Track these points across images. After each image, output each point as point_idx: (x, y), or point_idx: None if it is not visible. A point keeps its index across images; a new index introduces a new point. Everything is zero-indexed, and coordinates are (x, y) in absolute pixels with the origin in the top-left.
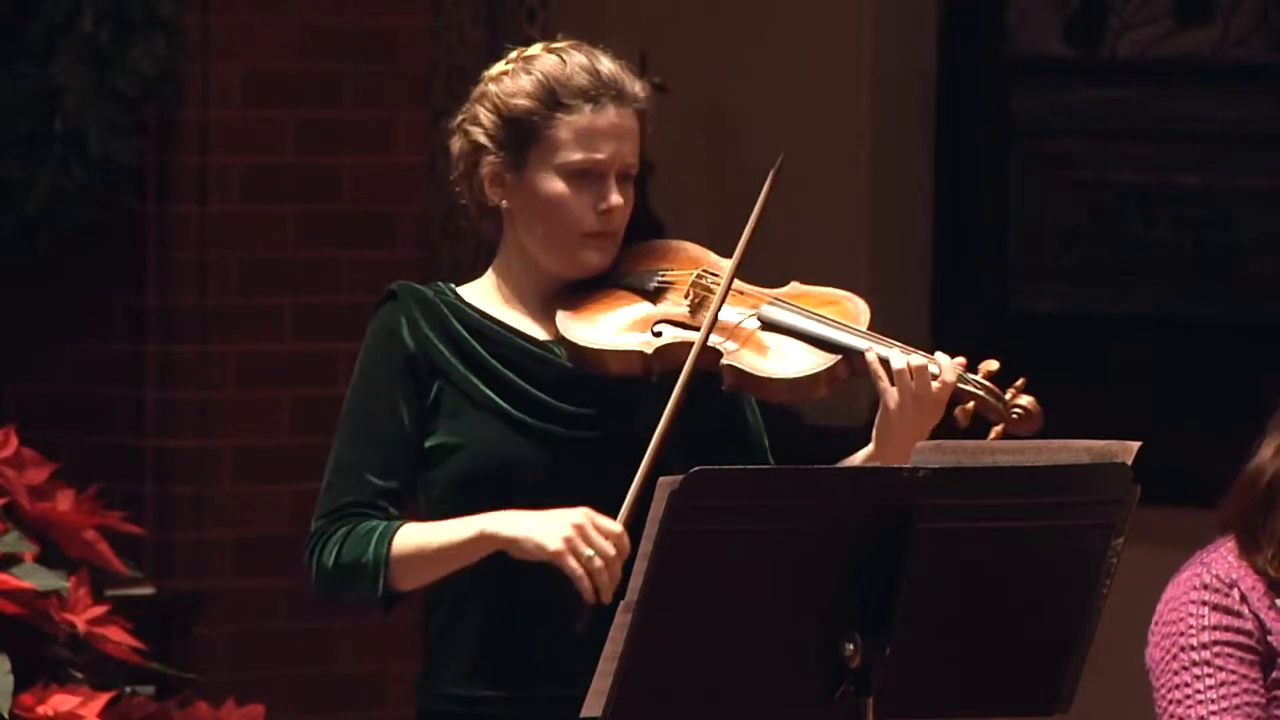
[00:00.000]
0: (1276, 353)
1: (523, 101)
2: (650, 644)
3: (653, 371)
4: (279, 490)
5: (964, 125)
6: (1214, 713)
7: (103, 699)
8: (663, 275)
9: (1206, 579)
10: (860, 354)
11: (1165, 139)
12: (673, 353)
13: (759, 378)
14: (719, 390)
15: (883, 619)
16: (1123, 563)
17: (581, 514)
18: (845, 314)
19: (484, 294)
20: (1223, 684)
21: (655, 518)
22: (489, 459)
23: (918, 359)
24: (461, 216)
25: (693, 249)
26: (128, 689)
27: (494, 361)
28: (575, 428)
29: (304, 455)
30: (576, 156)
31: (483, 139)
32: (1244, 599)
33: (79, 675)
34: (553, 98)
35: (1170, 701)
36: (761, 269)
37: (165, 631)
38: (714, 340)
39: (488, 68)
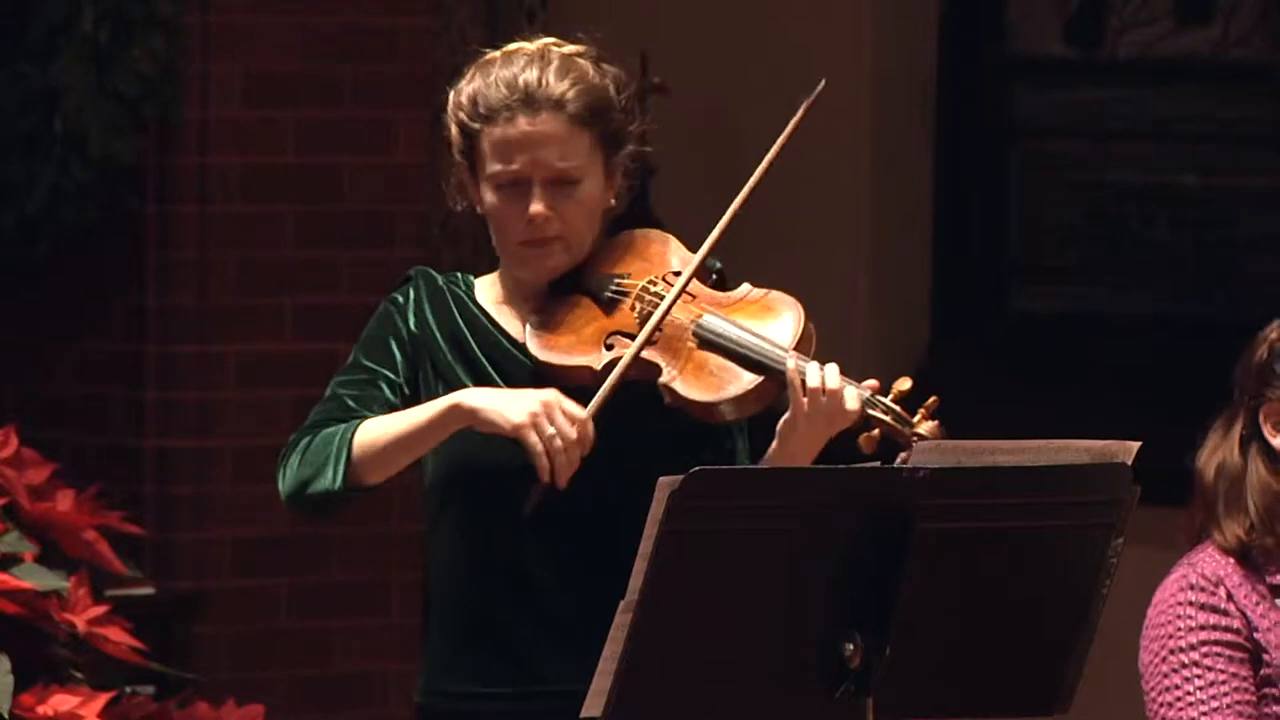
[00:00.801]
0: None
1: (461, 115)
2: (650, 644)
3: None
4: (279, 490)
5: (964, 125)
6: (1205, 714)
7: (103, 699)
8: (617, 284)
9: (1193, 579)
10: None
11: (1165, 139)
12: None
13: (693, 400)
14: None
15: (883, 619)
16: (1123, 563)
17: (551, 393)
18: (773, 323)
19: (488, 288)
20: (1213, 684)
21: (655, 518)
22: (463, 454)
23: (833, 380)
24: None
25: (659, 247)
26: (128, 689)
27: (480, 355)
28: None
29: None
30: (495, 168)
31: (450, 148)
32: (1230, 597)
33: (79, 675)
34: (477, 111)
35: (1161, 704)
36: (762, 269)
37: (165, 631)
38: (656, 357)
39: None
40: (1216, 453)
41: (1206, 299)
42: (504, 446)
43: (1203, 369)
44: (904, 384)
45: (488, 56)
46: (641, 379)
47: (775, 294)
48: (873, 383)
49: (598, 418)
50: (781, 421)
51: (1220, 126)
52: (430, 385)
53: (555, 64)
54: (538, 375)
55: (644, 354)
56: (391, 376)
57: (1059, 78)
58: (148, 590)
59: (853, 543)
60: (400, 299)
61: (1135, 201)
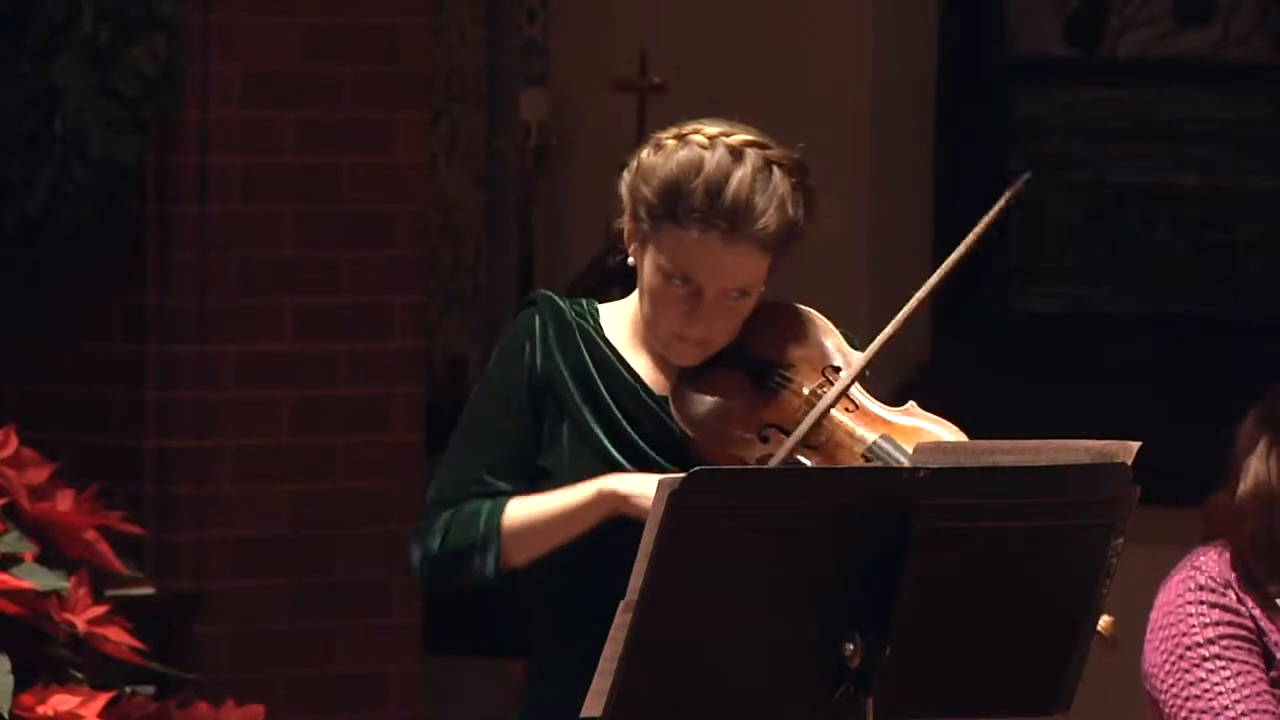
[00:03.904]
0: (1276, 353)
1: (647, 192)
2: (650, 644)
3: None
4: (279, 490)
5: (964, 125)
6: (1237, 700)
7: (103, 699)
8: (782, 375)
9: (1201, 580)
10: None
11: (1165, 139)
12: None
13: None
14: None
15: (883, 619)
16: (1123, 563)
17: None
18: None
19: (620, 324)
20: (1239, 674)
21: (655, 518)
22: (600, 471)
23: None
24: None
25: (823, 337)
26: (128, 689)
27: (609, 399)
28: None
29: (304, 455)
30: (671, 267)
31: (625, 195)
32: (1240, 599)
33: (79, 675)
34: (670, 203)
35: (1186, 699)
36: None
37: (165, 631)
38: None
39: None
40: (1258, 466)
41: (1206, 299)
42: (640, 465)
43: (1203, 369)
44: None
45: (689, 129)
46: None
47: (949, 428)
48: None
49: None
50: None
51: (1220, 126)
52: (555, 423)
53: (758, 181)
54: (673, 434)
55: (806, 460)
56: (517, 428)
57: (1059, 78)
58: (148, 590)
59: (853, 542)
60: (523, 332)
61: (1135, 201)
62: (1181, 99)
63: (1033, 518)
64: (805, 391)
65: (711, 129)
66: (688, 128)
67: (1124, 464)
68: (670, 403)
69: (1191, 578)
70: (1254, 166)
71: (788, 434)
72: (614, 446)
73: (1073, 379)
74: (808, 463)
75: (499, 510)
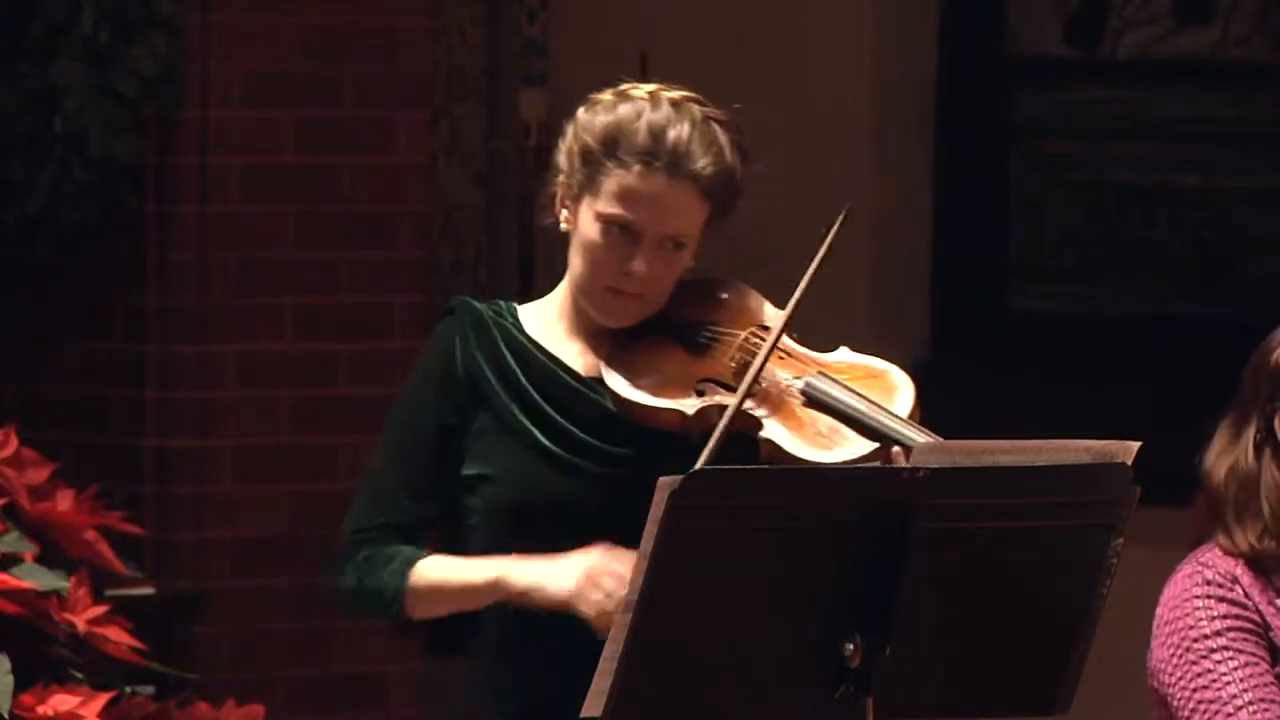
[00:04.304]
0: None
1: (589, 140)
2: (650, 644)
3: (691, 430)
4: (279, 490)
5: (964, 125)
6: (1245, 690)
7: (103, 699)
8: (712, 330)
9: (1208, 575)
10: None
11: (1165, 139)
12: (713, 414)
13: (798, 457)
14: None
15: (883, 619)
16: (1123, 563)
17: (594, 558)
18: (887, 394)
19: (541, 318)
20: (1246, 665)
21: (655, 518)
22: (520, 491)
23: None
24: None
25: (749, 300)
26: (128, 689)
27: (533, 392)
28: (610, 466)
29: (304, 455)
30: (612, 210)
31: (561, 158)
32: (1246, 594)
33: (79, 675)
34: (612, 147)
35: (1194, 689)
36: (761, 269)
37: (165, 631)
38: (756, 410)
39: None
40: (1226, 455)
41: (1206, 299)
42: (565, 479)
43: (1203, 369)
44: None
45: (626, 87)
46: (742, 430)
47: (881, 362)
48: None
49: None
50: None
51: (1220, 126)
52: (484, 424)
53: (700, 130)
54: (607, 413)
55: (745, 406)
56: (440, 444)
57: (1059, 78)
58: (148, 590)
59: (853, 542)
60: (444, 339)
61: (1135, 201)
62: (1181, 99)
63: (1033, 518)
64: (735, 344)
65: (649, 86)
66: (624, 86)
67: (1124, 464)
68: (603, 376)
69: (1199, 573)
70: (1254, 166)
71: (722, 386)
72: (544, 435)
73: (1073, 379)
74: (760, 415)
75: (408, 568)
